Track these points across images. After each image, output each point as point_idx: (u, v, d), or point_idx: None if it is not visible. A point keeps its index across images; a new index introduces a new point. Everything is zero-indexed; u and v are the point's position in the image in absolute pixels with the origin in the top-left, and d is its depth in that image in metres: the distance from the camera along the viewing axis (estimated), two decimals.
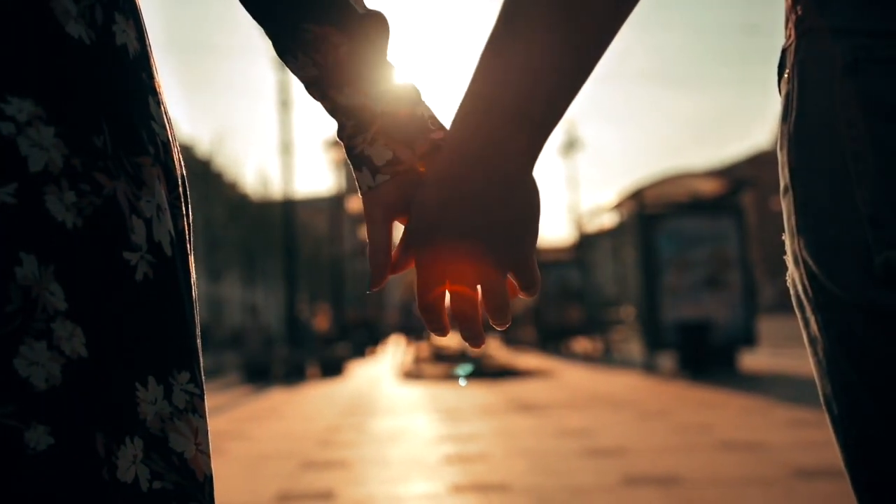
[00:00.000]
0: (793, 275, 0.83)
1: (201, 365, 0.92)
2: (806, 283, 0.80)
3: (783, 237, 0.83)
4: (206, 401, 0.92)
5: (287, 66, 0.99)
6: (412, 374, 17.30)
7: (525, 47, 0.83)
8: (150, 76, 0.92)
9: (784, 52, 0.83)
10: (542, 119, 0.85)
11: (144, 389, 0.85)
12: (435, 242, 0.87)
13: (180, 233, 0.92)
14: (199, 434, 0.90)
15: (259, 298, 55.17)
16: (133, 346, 0.84)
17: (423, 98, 0.98)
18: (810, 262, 0.78)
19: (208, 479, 0.90)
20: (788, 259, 0.83)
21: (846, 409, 0.79)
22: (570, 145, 37.50)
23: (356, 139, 0.97)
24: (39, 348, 0.78)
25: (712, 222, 14.79)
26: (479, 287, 0.89)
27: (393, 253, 0.95)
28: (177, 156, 0.94)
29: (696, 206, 15.37)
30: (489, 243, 0.86)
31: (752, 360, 15.05)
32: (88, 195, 0.82)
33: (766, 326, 22.52)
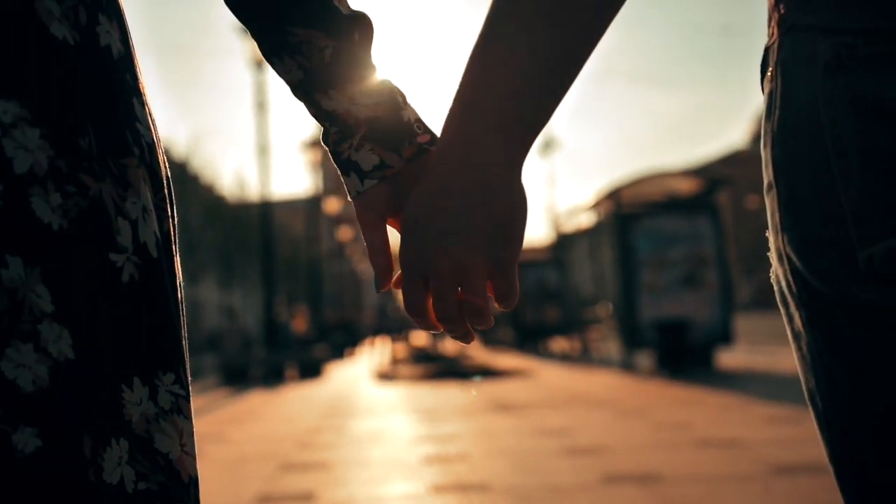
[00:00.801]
0: (776, 271, 0.83)
1: (187, 366, 0.92)
2: (790, 279, 0.81)
3: (767, 234, 0.84)
4: (191, 402, 0.92)
5: (273, 69, 0.98)
6: (390, 374, 17.31)
7: (509, 51, 0.82)
8: (135, 77, 0.92)
9: (767, 50, 0.83)
10: (527, 123, 0.84)
11: (130, 391, 0.85)
12: (416, 245, 0.87)
13: (166, 234, 0.92)
14: (185, 435, 0.89)
15: (237, 300, 54.85)
16: (119, 347, 0.84)
17: (409, 101, 0.98)
18: (794, 259, 0.79)
19: (193, 481, 0.90)
20: (772, 255, 0.84)
21: (830, 405, 0.80)
22: (547, 145, 37.55)
23: (342, 145, 0.97)
24: (26, 350, 0.77)
25: (689, 221, 14.86)
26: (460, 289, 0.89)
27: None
28: (161, 157, 0.94)
29: (673, 206, 15.45)
30: (469, 247, 0.85)
31: (730, 358, 15.14)
32: (74, 197, 0.81)
33: (743, 324, 22.65)
